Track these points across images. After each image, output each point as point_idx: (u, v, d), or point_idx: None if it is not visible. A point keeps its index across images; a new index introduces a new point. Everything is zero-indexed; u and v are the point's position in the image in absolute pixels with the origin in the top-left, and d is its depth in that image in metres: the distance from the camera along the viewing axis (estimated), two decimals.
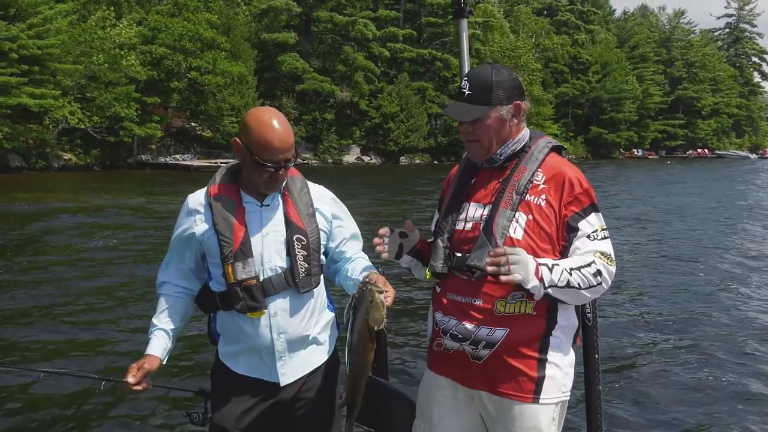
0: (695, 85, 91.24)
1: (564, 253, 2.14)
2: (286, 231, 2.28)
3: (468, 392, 2.22)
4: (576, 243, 2.13)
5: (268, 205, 2.31)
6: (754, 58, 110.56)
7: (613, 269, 2.11)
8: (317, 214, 2.36)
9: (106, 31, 33.34)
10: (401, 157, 52.33)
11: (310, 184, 2.43)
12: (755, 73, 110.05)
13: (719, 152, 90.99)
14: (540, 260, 2.05)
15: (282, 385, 2.30)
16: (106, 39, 33.03)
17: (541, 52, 69.14)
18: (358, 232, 2.50)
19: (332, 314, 2.47)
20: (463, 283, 2.17)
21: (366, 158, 52.02)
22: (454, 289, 2.20)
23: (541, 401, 2.13)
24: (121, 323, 7.18)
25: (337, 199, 2.48)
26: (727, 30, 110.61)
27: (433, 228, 2.39)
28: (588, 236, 2.12)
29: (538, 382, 2.13)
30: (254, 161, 2.18)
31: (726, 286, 9.71)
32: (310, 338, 2.35)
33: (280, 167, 2.20)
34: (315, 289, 2.33)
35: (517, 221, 2.12)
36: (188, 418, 2.61)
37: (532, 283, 2.01)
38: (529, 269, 2.00)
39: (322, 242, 2.37)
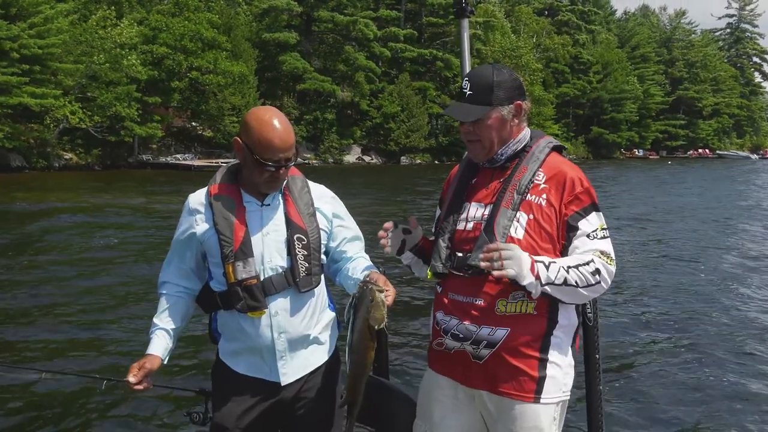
0: (696, 85, 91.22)
1: (564, 253, 2.14)
2: (287, 230, 2.28)
3: (469, 392, 2.22)
4: (575, 242, 2.12)
5: (269, 204, 2.31)
6: (755, 59, 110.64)
7: (612, 268, 2.10)
8: (318, 213, 2.36)
9: (107, 30, 33.38)
10: (402, 157, 52.32)
11: (310, 183, 2.42)
12: (756, 74, 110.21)
13: (720, 152, 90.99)
14: (537, 257, 2.05)
15: (283, 384, 2.29)
16: (107, 39, 33.06)
17: (542, 52, 69.11)
18: (359, 231, 2.50)
19: (333, 314, 2.46)
20: (464, 283, 2.17)
21: (367, 158, 52.02)
22: (455, 288, 2.20)
23: (542, 401, 2.13)
24: (122, 323, 7.19)
25: (338, 199, 2.48)
26: (728, 30, 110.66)
27: (434, 227, 2.40)
28: (587, 235, 2.12)
29: (539, 382, 2.13)
30: (255, 160, 2.18)
31: (726, 286, 9.72)
32: (311, 338, 2.35)
33: (280, 166, 2.20)
34: (316, 289, 2.33)
35: (518, 221, 2.12)
36: (189, 418, 2.61)
37: (528, 280, 2.01)
38: (523, 265, 2.00)
39: (323, 242, 2.36)
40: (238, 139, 2.22)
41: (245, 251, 2.23)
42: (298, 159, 2.29)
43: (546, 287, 2.03)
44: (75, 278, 9.37)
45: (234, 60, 40.80)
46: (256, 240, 2.25)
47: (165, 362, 2.32)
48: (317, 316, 2.36)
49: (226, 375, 2.34)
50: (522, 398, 2.13)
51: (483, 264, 2.02)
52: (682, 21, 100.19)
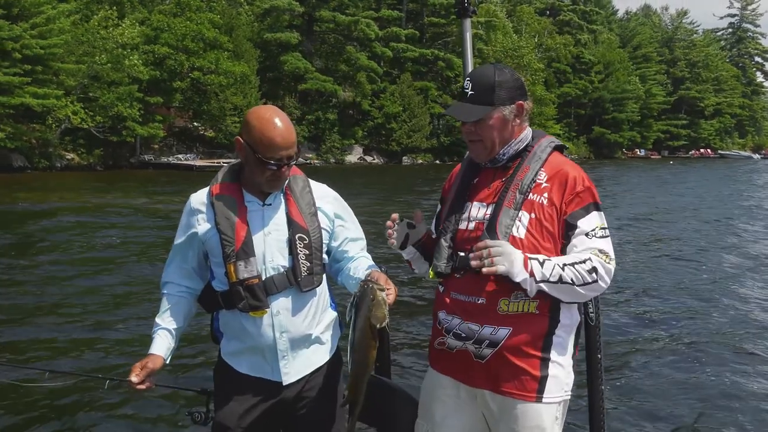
0: (698, 85, 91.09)
1: (564, 251, 2.14)
2: (288, 230, 2.28)
3: (471, 391, 2.22)
4: (574, 240, 2.12)
5: (270, 204, 2.31)
6: (756, 58, 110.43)
7: (611, 267, 2.09)
8: (319, 213, 2.36)
9: (108, 30, 33.35)
10: (404, 157, 52.28)
11: (312, 183, 2.43)
12: (758, 73, 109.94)
13: (722, 152, 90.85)
14: (531, 255, 2.05)
15: (284, 384, 2.30)
16: (109, 39, 33.04)
17: (543, 52, 69.06)
18: (361, 231, 2.50)
19: (335, 313, 2.47)
20: (466, 282, 2.17)
21: (368, 158, 51.98)
22: (457, 288, 2.20)
23: (544, 400, 2.13)
24: (124, 322, 7.19)
25: (340, 198, 2.48)
26: (730, 30, 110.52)
27: (433, 225, 2.40)
28: (586, 234, 2.12)
29: (542, 381, 2.13)
30: (257, 159, 2.18)
31: (727, 286, 9.71)
32: (313, 337, 2.35)
33: (282, 165, 2.20)
34: (317, 289, 2.33)
35: (520, 220, 2.12)
36: (191, 417, 2.61)
37: (521, 276, 2.01)
38: (514, 261, 2.01)
39: (325, 241, 2.36)
40: (240, 138, 2.22)
41: (247, 251, 2.23)
42: (300, 159, 2.29)
43: (542, 285, 2.03)
44: (77, 278, 9.38)
45: (236, 60, 40.78)
46: (257, 239, 2.25)
47: (167, 362, 2.32)
48: (319, 316, 2.37)
49: (228, 374, 2.34)
50: (524, 398, 2.13)
51: (473, 263, 2.03)
52: (683, 21, 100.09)
